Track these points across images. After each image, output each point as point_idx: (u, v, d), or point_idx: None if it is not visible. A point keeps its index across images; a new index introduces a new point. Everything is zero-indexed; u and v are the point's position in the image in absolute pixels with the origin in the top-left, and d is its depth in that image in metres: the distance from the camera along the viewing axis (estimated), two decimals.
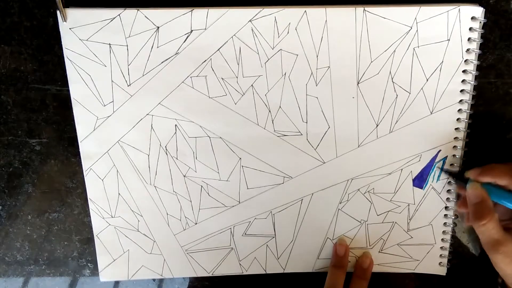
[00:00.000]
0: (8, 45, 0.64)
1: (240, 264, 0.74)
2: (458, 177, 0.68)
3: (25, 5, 0.62)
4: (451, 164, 0.68)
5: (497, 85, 0.67)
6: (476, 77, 0.64)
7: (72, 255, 0.76)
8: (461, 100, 0.65)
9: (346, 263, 0.73)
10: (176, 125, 0.66)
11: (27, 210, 0.73)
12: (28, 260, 0.76)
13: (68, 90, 0.65)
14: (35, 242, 0.75)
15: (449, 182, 0.69)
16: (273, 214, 0.71)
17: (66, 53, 0.63)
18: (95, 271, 0.77)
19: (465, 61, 0.63)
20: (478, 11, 0.61)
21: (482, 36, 0.63)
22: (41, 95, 0.66)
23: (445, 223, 0.71)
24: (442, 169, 0.69)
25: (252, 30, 0.62)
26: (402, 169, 0.69)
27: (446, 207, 0.71)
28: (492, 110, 0.68)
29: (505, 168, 0.63)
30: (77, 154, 0.69)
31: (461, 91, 0.65)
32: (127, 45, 0.63)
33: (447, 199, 0.70)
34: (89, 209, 0.71)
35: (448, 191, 0.70)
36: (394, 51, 0.63)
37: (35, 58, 0.65)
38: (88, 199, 0.70)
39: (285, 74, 0.64)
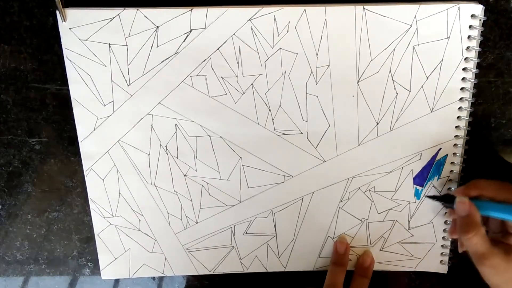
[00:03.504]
0: (8, 44, 0.64)
1: (241, 262, 0.73)
2: (445, 199, 0.67)
3: (25, 4, 0.62)
4: (452, 162, 0.68)
5: (497, 84, 0.66)
6: (476, 76, 0.63)
7: (72, 254, 0.76)
8: (461, 98, 0.64)
9: (347, 261, 0.72)
10: (176, 124, 0.66)
11: (27, 209, 0.73)
12: (28, 259, 0.76)
13: (68, 89, 0.64)
14: (35, 241, 0.75)
15: (450, 180, 0.69)
16: (274, 213, 0.71)
17: (65, 53, 0.62)
18: (95, 270, 0.77)
19: (465, 59, 0.63)
20: (477, 8, 0.61)
21: (482, 35, 0.62)
22: (41, 94, 0.66)
23: (446, 221, 0.71)
24: (425, 195, 0.70)
25: (251, 29, 0.62)
26: (402, 168, 0.68)
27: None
28: (492, 109, 0.67)
29: (490, 181, 0.64)
30: (76, 153, 0.69)
31: (461, 89, 0.64)
32: (126, 45, 0.62)
33: None
34: (89, 209, 0.71)
35: (449, 189, 0.69)
36: (394, 49, 0.62)
37: (34, 57, 0.64)
38: (89, 199, 0.70)
39: (285, 73, 0.64)
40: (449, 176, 0.68)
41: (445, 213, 0.70)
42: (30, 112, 0.67)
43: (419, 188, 0.69)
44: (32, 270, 0.77)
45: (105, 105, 0.65)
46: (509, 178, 0.63)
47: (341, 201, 0.70)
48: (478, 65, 0.63)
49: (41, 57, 0.64)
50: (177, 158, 0.68)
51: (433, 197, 0.69)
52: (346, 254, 0.72)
